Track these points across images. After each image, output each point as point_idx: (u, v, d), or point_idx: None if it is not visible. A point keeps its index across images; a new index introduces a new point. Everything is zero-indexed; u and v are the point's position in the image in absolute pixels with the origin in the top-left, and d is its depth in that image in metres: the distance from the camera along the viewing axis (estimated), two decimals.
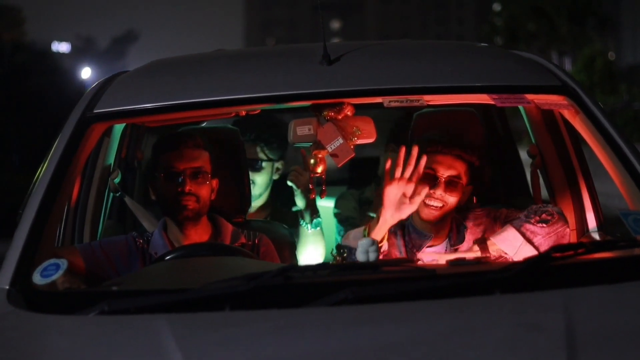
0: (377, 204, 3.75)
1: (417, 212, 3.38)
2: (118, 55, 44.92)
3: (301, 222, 4.10)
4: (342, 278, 2.55)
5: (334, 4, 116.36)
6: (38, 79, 24.91)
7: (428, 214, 3.39)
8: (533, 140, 3.78)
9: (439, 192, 3.36)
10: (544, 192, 3.86)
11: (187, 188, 3.35)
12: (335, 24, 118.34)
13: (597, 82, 30.81)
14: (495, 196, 4.09)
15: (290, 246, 3.75)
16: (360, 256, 2.90)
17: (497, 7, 49.81)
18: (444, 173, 3.37)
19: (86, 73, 31.27)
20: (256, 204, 4.41)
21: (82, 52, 41.31)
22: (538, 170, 3.81)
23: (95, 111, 3.10)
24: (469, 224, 3.49)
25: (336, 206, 4.53)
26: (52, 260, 2.63)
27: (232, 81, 3.18)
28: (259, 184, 4.38)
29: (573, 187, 3.68)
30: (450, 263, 2.85)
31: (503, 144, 4.72)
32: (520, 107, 3.68)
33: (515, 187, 4.74)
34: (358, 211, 4.46)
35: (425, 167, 3.29)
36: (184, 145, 3.39)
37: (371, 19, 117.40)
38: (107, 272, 3.32)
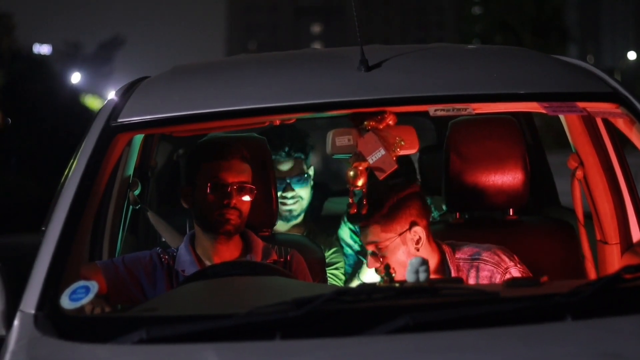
0: None
1: None
2: (105, 60, 44.59)
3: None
4: (400, 302, 2.36)
5: (315, 8, 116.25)
6: (35, 85, 25.06)
7: None
8: (573, 150, 3.57)
9: None
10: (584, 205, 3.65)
11: (233, 202, 3.17)
12: (316, 28, 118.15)
13: None
14: (526, 206, 3.91)
15: (321, 263, 3.56)
16: (409, 276, 2.68)
17: (477, 10, 50.86)
18: None
19: (76, 78, 31.14)
20: (295, 221, 4.20)
21: (68, 56, 40.94)
22: (579, 182, 3.57)
23: (120, 120, 2.86)
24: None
25: None
26: (82, 282, 2.40)
27: (265, 88, 2.96)
28: (306, 198, 4.17)
29: (617, 199, 3.48)
30: (507, 284, 2.67)
31: (532, 153, 4.54)
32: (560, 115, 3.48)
33: (545, 197, 4.58)
34: None
35: None
36: (233, 156, 3.21)
37: (352, 24, 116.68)
38: (131, 291, 3.11)
